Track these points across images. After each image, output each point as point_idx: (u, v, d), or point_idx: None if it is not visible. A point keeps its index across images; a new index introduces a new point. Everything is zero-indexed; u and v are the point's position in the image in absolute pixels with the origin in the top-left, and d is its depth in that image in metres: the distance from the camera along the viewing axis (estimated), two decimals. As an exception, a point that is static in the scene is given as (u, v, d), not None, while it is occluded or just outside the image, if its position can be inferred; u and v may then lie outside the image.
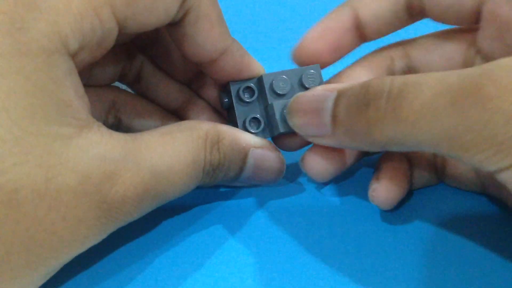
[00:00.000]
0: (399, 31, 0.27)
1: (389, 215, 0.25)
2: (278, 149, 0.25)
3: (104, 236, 0.19)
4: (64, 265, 0.19)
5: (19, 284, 0.18)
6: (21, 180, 0.17)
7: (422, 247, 0.24)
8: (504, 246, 0.23)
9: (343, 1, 0.27)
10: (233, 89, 0.25)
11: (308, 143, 0.25)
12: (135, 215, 0.20)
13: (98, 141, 0.19)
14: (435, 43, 0.26)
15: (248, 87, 0.25)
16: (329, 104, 0.22)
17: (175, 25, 0.22)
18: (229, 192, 0.27)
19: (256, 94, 0.25)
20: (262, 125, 0.25)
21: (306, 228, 0.25)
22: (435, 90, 0.18)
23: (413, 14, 0.26)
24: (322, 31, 0.26)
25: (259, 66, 0.25)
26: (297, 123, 0.23)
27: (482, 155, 0.17)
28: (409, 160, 0.26)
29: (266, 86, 0.25)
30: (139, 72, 0.27)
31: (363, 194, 0.25)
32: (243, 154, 0.24)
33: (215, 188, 0.27)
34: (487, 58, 0.24)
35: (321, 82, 0.25)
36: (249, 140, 0.24)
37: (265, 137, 0.25)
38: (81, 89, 0.19)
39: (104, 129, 0.19)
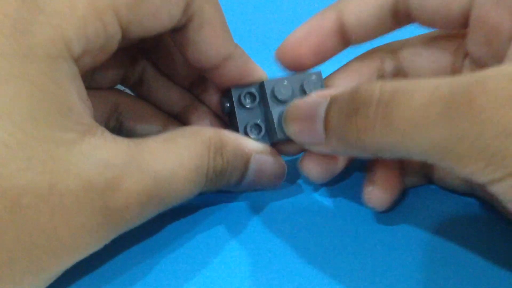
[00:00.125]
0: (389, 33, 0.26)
1: (384, 216, 0.26)
2: (279, 154, 0.25)
3: (106, 242, 0.19)
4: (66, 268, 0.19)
5: None
6: (25, 185, 0.17)
7: (417, 246, 0.24)
8: (493, 246, 0.24)
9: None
10: (234, 94, 0.25)
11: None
12: (138, 221, 0.20)
13: (101, 146, 0.18)
14: (423, 45, 0.26)
15: (250, 93, 0.25)
16: (322, 111, 0.22)
17: (179, 30, 0.22)
18: (229, 194, 0.27)
19: (257, 100, 0.25)
20: (263, 130, 0.25)
21: (305, 228, 0.25)
22: (427, 99, 0.18)
23: (400, 19, 0.25)
24: (305, 33, 0.26)
25: (261, 72, 0.25)
26: (292, 130, 0.23)
27: (473, 167, 0.17)
28: (400, 161, 0.26)
29: (268, 92, 0.25)
30: (141, 76, 0.27)
31: (360, 194, 0.25)
32: (246, 160, 0.24)
33: (215, 192, 0.27)
34: (476, 62, 0.24)
35: (323, 87, 0.25)
36: (251, 145, 0.24)
37: (266, 143, 0.25)
38: (84, 93, 0.19)
39: (107, 134, 0.19)
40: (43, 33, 0.17)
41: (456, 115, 0.17)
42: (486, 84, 0.17)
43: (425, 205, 0.26)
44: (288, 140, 0.25)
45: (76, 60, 0.18)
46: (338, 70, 0.27)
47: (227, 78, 0.24)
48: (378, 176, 0.25)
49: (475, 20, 0.23)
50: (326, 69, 0.27)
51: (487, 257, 0.23)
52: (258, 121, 0.25)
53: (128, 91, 0.28)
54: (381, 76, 0.27)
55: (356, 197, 0.26)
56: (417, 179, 0.27)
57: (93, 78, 0.26)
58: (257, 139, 0.25)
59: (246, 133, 0.25)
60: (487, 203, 0.26)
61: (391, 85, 0.19)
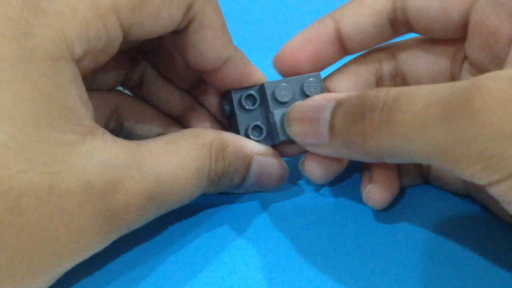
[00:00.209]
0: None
1: (385, 215, 0.26)
2: (280, 156, 0.25)
3: (107, 243, 0.19)
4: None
5: None
6: (25, 187, 0.17)
7: (417, 245, 0.24)
8: (489, 245, 0.24)
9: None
10: (235, 97, 0.25)
11: None
12: (138, 223, 0.20)
13: (102, 148, 0.18)
14: (422, 47, 0.26)
15: (250, 95, 0.25)
16: (327, 114, 0.22)
17: (179, 33, 0.22)
18: (231, 195, 0.27)
19: (258, 102, 0.25)
20: (264, 132, 0.25)
21: (307, 228, 0.25)
22: (426, 102, 0.18)
23: (398, 27, 0.25)
24: (303, 41, 0.26)
25: (261, 74, 0.25)
26: (295, 131, 0.23)
27: (471, 169, 0.17)
28: None
29: (268, 94, 0.25)
30: (142, 78, 0.27)
31: (360, 194, 0.26)
32: (247, 162, 0.24)
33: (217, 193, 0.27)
34: (475, 66, 0.24)
35: (322, 90, 0.25)
36: (253, 147, 0.24)
37: (267, 145, 0.25)
38: (85, 95, 0.19)
39: (108, 136, 0.19)
40: (45, 35, 0.17)
41: (453, 117, 0.17)
42: (483, 86, 0.17)
43: (425, 205, 0.26)
44: (290, 142, 0.25)
45: (77, 62, 0.18)
46: (336, 71, 0.27)
47: (227, 81, 0.24)
48: (376, 175, 0.25)
49: (474, 25, 0.23)
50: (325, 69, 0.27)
51: (483, 256, 0.23)
52: (259, 123, 0.25)
53: (128, 92, 0.28)
54: (379, 77, 0.27)
55: (357, 196, 0.26)
56: (413, 179, 0.27)
57: (93, 80, 0.25)
58: (259, 141, 0.25)
59: (247, 135, 0.25)
60: (482, 205, 0.26)
61: (396, 90, 0.19)
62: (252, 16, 0.43)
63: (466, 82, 0.17)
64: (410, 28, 0.25)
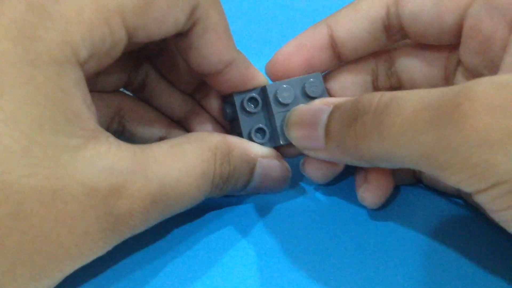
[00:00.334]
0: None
1: (385, 215, 0.26)
2: (283, 157, 0.26)
3: (109, 248, 0.19)
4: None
5: None
6: (28, 191, 0.17)
7: (417, 245, 0.24)
8: (480, 245, 0.24)
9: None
10: (237, 100, 0.25)
11: None
12: (142, 228, 0.20)
13: (106, 152, 0.18)
14: (417, 49, 0.26)
15: (252, 98, 0.25)
16: (324, 118, 0.22)
17: (182, 35, 0.22)
18: (234, 196, 0.27)
19: (260, 105, 0.25)
20: (268, 135, 0.25)
21: (306, 228, 0.25)
22: (416, 107, 0.18)
23: (392, 34, 0.25)
24: (296, 47, 0.26)
25: (263, 77, 0.25)
26: (293, 135, 0.24)
27: (458, 176, 0.17)
28: None
29: (270, 96, 0.25)
30: (144, 80, 0.27)
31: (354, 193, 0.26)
32: (252, 165, 0.24)
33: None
34: (470, 71, 0.24)
35: (323, 90, 0.25)
36: (257, 150, 0.24)
37: (270, 147, 0.25)
38: (89, 98, 0.19)
39: (112, 140, 0.19)
40: (50, 38, 0.17)
41: (441, 123, 0.17)
42: (472, 92, 0.17)
43: (418, 205, 0.27)
44: (291, 144, 0.25)
45: (82, 65, 0.18)
46: (332, 70, 0.27)
47: (229, 84, 0.24)
48: (371, 175, 0.25)
49: (468, 30, 0.23)
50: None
51: (473, 255, 0.24)
52: (262, 125, 0.25)
53: (131, 94, 0.28)
54: (375, 78, 0.27)
55: (353, 195, 0.27)
56: (406, 178, 0.27)
57: (96, 81, 0.25)
58: (263, 144, 0.25)
59: (250, 138, 0.25)
60: (473, 207, 0.26)
61: (388, 94, 0.19)
62: (252, 18, 0.43)
63: (456, 88, 0.17)
64: (404, 35, 0.25)
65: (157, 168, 0.20)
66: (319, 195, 0.28)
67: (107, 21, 0.18)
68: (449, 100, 0.17)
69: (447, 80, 0.26)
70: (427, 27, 0.24)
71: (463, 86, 0.17)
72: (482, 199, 0.17)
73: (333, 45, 0.26)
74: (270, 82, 0.26)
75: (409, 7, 0.24)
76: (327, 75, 0.27)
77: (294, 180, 0.28)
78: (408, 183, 0.28)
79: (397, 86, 0.27)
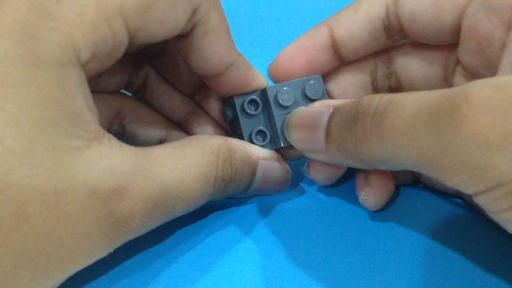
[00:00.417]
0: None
1: (384, 215, 0.26)
2: (283, 159, 0.26)
3: (111, 249, 0.19)
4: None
5: None
6: (30, 193, 0.17)
7: (410, 244, 0.24)
8: (480, 244, 0.24)
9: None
10: (237, 102, 0.25)
11: None
12: (143, 230, 0.20)
13: (108, 154, 0.18)
14: (416, 49, 0.26)
15: (252, 100, 0.25)
16: (324, 120, 0.22)
17: (183, 37, 0.22)
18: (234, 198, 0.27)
19: (260, 107, 0.25)
20: (268, 137, 0.25)
21: (306, 228, 0.25)
22: (415, 109, 0.18)
23: (392, 34, 0.25)
24: (297, 49, 0.26)
25: (262, 79, 0.25)
26: (294, 138, 0.24)
27: (457, 178, 0.17)
28: None
29: (271, 98, 0.25)
30: (145, 82, 0.27)
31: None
32: (253, 167, 0.24)
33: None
34: (468, 71, 0.24)
35: (323, 92, 0.26)
36: (258, 152, 0.24)
37: (271, 149, 0.25)
38: (90, 100, 0.19)
39: (114, 142, 0.19)
40: (52, 39, 0.17)
41: (440, 125, 0.17)
42: (470, 94, 0.17)
43: (419, 206, 0.27)
44: (292, 146, 0.25)
45: (84, 66, 0.18)
46: (332, 71, 0.27)
47: (229, 86, 0.24)
48: (372, 178, 0.25)
49: (466, 30, 0.23)
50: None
51: (474, 255, 0.24)
52: (262, 128, 0.25)
53: (131, 95, 0.28)
54: (375, 78, 0.27)
55: (353, 196, 0.27)
56: (406, 177, 0.28)
57: (97, 82, 0.25)
58: (264, 146, 0.25)
59: (251, 140, 0.25)
60: (473, 207, 0.26)
61: (388, 96, 0.19)
62: (252, 20, 0.43)
63: (454, 90, 0.17)
64: (404, 35, 0.25)
65: (159, 170, 0.20)
66: (320, 196, 0.28)
67: (109, 22, 0.18)
68: (447, 103, 0.17)
69: (446, 79, 0.26)
70: (426, 27, 0.24)
71: (461, 89, 0.17)
72: (482, 201, 0.17)
73: (334, 46, 0.26)
74: (270, 84, 0.26)
75: (408, 7, 0.24)
76: (326, 76, 0.27)
77: (296, 181, 0.28)
78: (407, 183, 0.28)
79: (396, 86, 0.27)
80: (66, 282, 0.19)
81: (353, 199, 0.26)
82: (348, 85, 0.27)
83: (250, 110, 0.25)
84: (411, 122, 0.18)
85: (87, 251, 0.18)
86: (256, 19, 0.43)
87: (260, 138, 0.25)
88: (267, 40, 0.40)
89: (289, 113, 0.25)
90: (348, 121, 0.21)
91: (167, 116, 0.28)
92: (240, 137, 0.25)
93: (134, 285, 0.22)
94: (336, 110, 0.22)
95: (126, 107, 0.27)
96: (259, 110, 0.25)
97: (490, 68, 0.23)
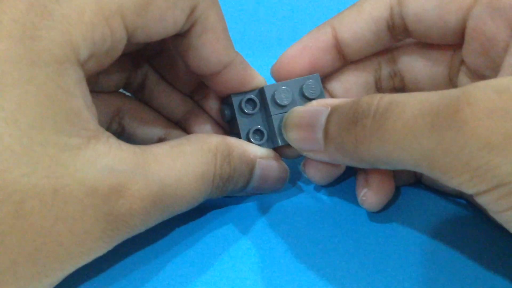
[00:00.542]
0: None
1: (383, 216, 0.26)
2: (281, 157, 0.26)
3: (110, 247, 0.19)
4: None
5: None
6: (29, 191, 0.17)
7: (410, 244, 0.24)
8: (481, 245, 0.24)
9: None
10: (235, 101, 0.25)
11: None
12: (142, 228, 0.20)
13: (107, 152, 0.18)
14: (421, 49, 0.26)
15: (250, 99, 0.25)
16: (322, 119, 0.22)
17: (181, 36, 0.22)
18: (232, 197, 0.27)
19: (258, 106, 0.26)
20: (266, 136, 0.25)
21: (305, 228, 0.25)
22: (417, 111, 0.18)
23: (396, 34, 0.25)
24: (301, 49, 0.26)
25: (261, 78, 0.25)
26: (292, 137, 0.24)
27: (459, 179, 0.17)
28: None
29: (268, 98, 0.25)
30: (144, 81, 0.27)
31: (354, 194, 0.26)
32: (251, 166, 0.24)
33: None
34: (472, 72, 0.24)
35: (321, 91, 0.26)
36: (256, 151, 0.24)
37: (269, 148, 0.25)
38: (89, 98, 0.19)
39: (113, 140, 0.19)
40: (51, 38, 0.17)
41: (442, 127, 0.17)
42: (471, 96, 0.17)
43: (419, 206, 0.27)
44: (289, 145, 0.25)
45: (82, 65, 0.18)
46: (335, 72, 0.27)
47: (227, 85, 0.25)
48: (372, 178, 0.25)
49: (471, 31, 0.23)
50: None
51: (475, 255, 0.24)
52: (260, 127, 0.25)
53: (130, 95, 0.28)
54: (378, 78, 0.27)
55: (355, 197, 0.27)
56: (406, 178, 0.28)
57: (96, 82, 0.25)
58: (261, 145, 0.25)
59: (248, 139, 0.25)
60: (475, 206, 0.26)
61: (388, 97, 0.19)
62: (251, 19, 0.43)
63: (456, 91, 0.18)
64: (408, 34, 0.25)
65: (158, 169, 0.20)
66: (319, 195, 0.28)
67: (108, 21, 0.18)
68: (449, 105, 0.17)
69: (451, 79, 0.26)
70: (431, 28, 0.24)
71: (462, 90, 0.17)
72: (483, 201, 0.18)
73: (338, 47, 0.26)
74: (268, 83, 0.26)
75: (412, 8, 0.24)
76: (329, 76, 0.27)
77: (294, 179, 0.28)
78: (408, 182, 0.28)
79: (400, 86, 0.27)
80: (65, 280, 0.19)
81: (353, 198, 0.26)
82: (352, 85, 0.27)
83: (248, 109, 0.25)
84: (413, 123, 0.18)
85: (85, 249, 0.18)
86: (257, 19, 0.43)
87: (258, 137, 0.25)
88: (268, 40, 0.40)
89: (286, 112, 0.25)
90: (347, 121, 0.21)
91: (166, 115, 0.28)
92: (238, 136, 0.25)
93: (132, 283, 0.22)
94: (334, 110, 0.22)
95: (125, 106, 0.27)
96: (257, 109, 0.26)
97: (494, 69, 0.23)
